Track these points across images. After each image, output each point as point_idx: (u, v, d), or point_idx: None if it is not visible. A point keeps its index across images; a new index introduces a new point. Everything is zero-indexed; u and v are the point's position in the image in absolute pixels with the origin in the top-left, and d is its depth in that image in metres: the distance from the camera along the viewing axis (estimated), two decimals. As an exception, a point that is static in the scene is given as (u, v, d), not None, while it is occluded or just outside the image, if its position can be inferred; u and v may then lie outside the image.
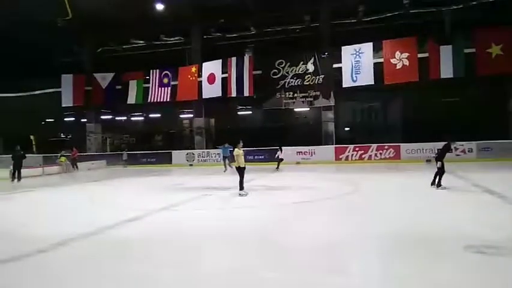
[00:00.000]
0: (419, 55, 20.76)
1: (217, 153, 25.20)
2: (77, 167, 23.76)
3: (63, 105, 28.01)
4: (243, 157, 11.34)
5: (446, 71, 20.15)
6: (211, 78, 24.74)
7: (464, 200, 9.57)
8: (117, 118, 32.87)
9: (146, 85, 26.45)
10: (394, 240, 6.06)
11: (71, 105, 28.08)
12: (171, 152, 26.61)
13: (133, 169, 24.18)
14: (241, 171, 11.23)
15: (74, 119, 33.09)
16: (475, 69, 19.65)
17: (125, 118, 33.42)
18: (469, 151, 20.40)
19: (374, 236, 6.35)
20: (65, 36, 26.37)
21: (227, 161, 19.20)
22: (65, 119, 33.41)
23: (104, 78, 27.53)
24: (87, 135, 29.61)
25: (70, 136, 34.75)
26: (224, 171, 18.95)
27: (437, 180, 10.99)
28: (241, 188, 11.20)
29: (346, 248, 5.90)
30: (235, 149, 11.42)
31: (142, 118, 33.17)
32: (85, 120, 30.11)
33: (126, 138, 34.05)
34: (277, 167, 19.52)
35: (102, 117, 30.82)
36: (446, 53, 20.22)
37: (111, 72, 27.47)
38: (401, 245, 5.81)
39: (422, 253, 5.34)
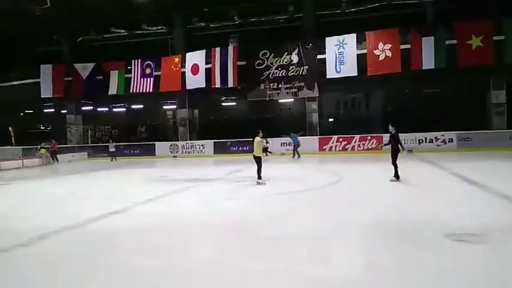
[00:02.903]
0: (402, 46, 20.97)
1: (202, 145, 25.14)
2: (56, 159, 23.30)
3: (42, 96, 27.36)
4: (261, 146, 11.50)
5: (428, 62, 20.42)
6: (194, 69, 24.46)
7: (444, 189, 9.78)
8: (98, 109, 32.24)
9: (128, 75, 25.98)
10: (375, 229, 6.17)
11: (51, 96, 27.44)
12: (154, 144, 26.35)
13: (116, 161, 23.83)
14: (259, 159, 11.30)
15: (53, 110, 32.33)
16: (455, 60, 19.98)
17: (106, 109, 32.80)
18: (449, 141, 20.86)
19: (356, 225, 6.46)
20: (44, 26, 25.63)
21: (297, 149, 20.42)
22: (45, 110, 32.61)
23: (85, 69, 26.91)
24: (68, 126, 29.04)
25: (50, 128, 33.96)
26: (298, 158, 19.97)
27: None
28: (259, 177, 11.25)
29: (329, 238, 5.96)
30: (256, 137, 11.41)
31: (124, 109, 32.60)
32: (65, 111, 29.50)
33: (107, 130, 33.47)
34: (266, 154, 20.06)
35: (83, 108, 30.21)
36: (428, 44, 20.47)
37: (91, 62, 26.85)
38: (382, 234, 5.92)
39: (403, 241, 5.45)
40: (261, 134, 11.60)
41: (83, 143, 29.05)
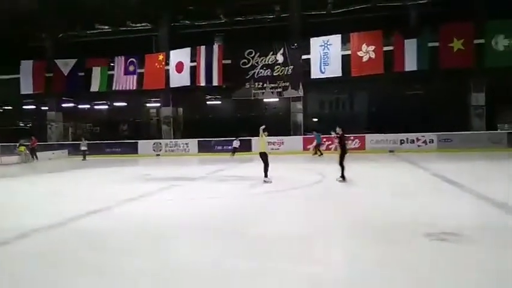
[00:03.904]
0: (385, 48, 21.27)
1: (186, 144, 24.95)
2: (36, 157, 22.78)
3: (22, 93, 26.77)
4: (267, 143, 11.41)
5: (411, 64, 20.77)
6: (179, 67, 24.27)
7: (425, 189, 9.94)
8: (79, 106, 31.67)
9: (111, 72, 25.61)
10: (356, 228, 6.22)
11: (31, 92, 26.86)
12: (137, 142, 26.03)
13: (97, 159, 23.45)
14: (265, 157, 11.19)
15: (34, 107, 31.63)
16: (437, 62, 20.36)
17: (88, 106, 32.24)
18: (430, 142, 21.26)
19: (338, 225, 6.52)
20: (25, 20, 24.99)
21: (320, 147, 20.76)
22: (24, 107, 31.88)
23: (66, 65, 26.40)
24: (48, 123, 28.45)
25: (30, 125, 33.24)
26: (320, 155, 20.15)
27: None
28: (266, 175, 11.16)
29: (311, 237, 5.98)
30: (262, 134, 11.24)
31: (106, 107, 32.11)
32: (46, 108, 28.91)
33: (89, 128, 32.93)
34: (233, 155, 20.83)
35: (64, 105, 29.64)
36: (410, 46, 20.82)
37: (73, 58, 26.36)
38: (363, 233, 5.96)
39: (383, 241, 5.51)
40: (266, 132, 11.34)
41: (63, 141, 28.48)
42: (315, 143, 20.97)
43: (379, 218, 6.84)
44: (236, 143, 21.19)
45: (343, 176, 10.99)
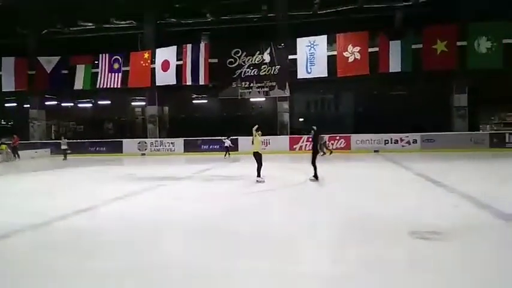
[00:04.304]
0: (370, 49, 21.45)
1: (171, 143, 24.77)
2: (18, 156, 22.30)
3: (3, 90, 26.14)
4: (260, 143, 11.36)
5: (395, 65, 21.01)
6: (165, 65, 24.06)
7: (408, 188, 10.10)
8: (63, 104, 31.12)
9: (95, 70, 25.22)
10: (342, 227, 6.30)
11: (13, 89, 26.26)
12: (121, 141, 25.72)
13: (81, 158, 23.09)
14: (259, 157, 11.15)
15: (15, 104, 30.97)
16: (421, 64, 20.66)
17: (71, 104, 31.71)
18: (413, 142, 21.58)
19: (323, 223, 6.59)
20: (7, 16, 24.40)
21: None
22: (6, 105, 31.16)
23: (49, 62, 25.90)
24: (30, 122, 27.87)
25: (11, 123, 32.52)
26: (323, 155, 19.38)
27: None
28: (259, 174, 11.12)
29: (297, 235, 6.02)
30: (255, 134, 11.22)
31: (90, 105, 31.63)
32: (28, 106, 28.30)
33: (72, 126, 32.40)
34: (227, 155, 20.52)
35: (47, 103, 29.06)
36: (395, 48, 21.05)
37: (57, 55, 25.88)
38: (349, 231, 6.04)
39: (369, 239, 5.58)
40: (259, 132, 11.37)
41: (46, 139, 27.95)
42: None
43: (364, 216, 6.91)
44: (227, 142, 20.84)
45: (315, 176, 11.09)
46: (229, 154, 20.72)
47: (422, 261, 4.67)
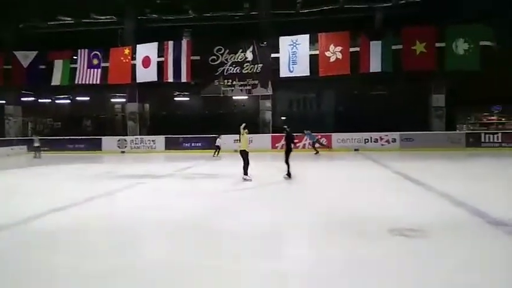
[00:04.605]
0: (352, 49, 21.67)
1: (152, 140, 24.48)
2: (-8, 153, 21.61)
3: (-23, 85, 25.31)
4: (248, 141, 11.34)
5: (375, 65, 21.29)
6: (146, 62, 23.72)
7: (388, 187, 10.26)
8: (40, 100, 30.34)
9: (73, 66, 24.65)
10: (323, 225, 6.35)
11: (-13, 85, 25.45)
12: (100, 138, 25.25)
13: (59, 156, 22.56)
14: (246, 155, 11.09)
15: (-11, 100, 29.97)
16: (401, 64, 21.01)
17: (49, 101, 30.94)
18: (392, 141, 21.94)
19: (304, 221, 6.62)
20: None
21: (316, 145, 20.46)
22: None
23: (26, 57, 25.18)
24: (6, 118, 27.07)
25: (-15, 119, 31.45)
26: (316, 154, 19.76)
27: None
28: (246, 173, 11.07)
29: (278, 233, 6.05)
30: (243, 132, 11.20)
31: (68, 101, 30.93)
32: (3, 102, 27.44)
33: (50, 123, 31.62)
34: (215, 154, 19.94)
35: (23, 99, 28.29)
36: (376, 48, 21.33)
37: (34, 50, 25.18)
38: (330, 229, 6.09)
39: (349, 237, 5.64)
40: (246, 130, 11.38)
41: (22, 136, 27.19)
42: (310, 142, 20.93)
43: (345, 214, 6.99)
44: (219, 141, 20.31)
45: (289, 174, 11.22)
46: (218, 153, 20.13)
47: (401, 258, 4.75)
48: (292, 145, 11.67)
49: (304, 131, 20.78)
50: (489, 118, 22.81)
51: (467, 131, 22.18)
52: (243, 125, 11.30)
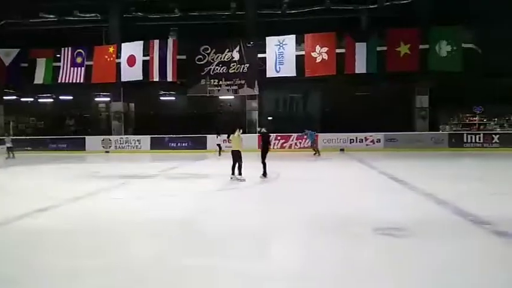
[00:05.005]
0: (337, 50, 21.84)
1: (137, 140, 24.20)
2: (-28, 153, 21.01)
3: (-44, 83, 24.64)
4: (241, 142, 11.36)
5: (361, 66, 21.50)
6: (131, 60, 23.43)
7: (372, 186, 10.39)
8: (22, 99, 29.72)
9: (57, 64, 24.19)
10: (309, 225, 6.38)
11: (-33, 83, 24.80)
12: (84, 138, 24.85)
13: (42, 156, 22.14)
14: (239, 155, 11.10)
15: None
16: (385, 66, 21.27)
17: (31, 100, 30.32)
18: (377, 141, 22.20)
19: (290, 221, 6.65)
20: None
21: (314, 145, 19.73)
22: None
23: (8, 55, 24.61)
24: (-14, 117, 26.44)
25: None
26: (314, 154, 19.21)
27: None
28: (240, 173, 11.06)
29: (265, 234, 6.06)
30: (236, 132, 11.27)
31: (51, 100, 30.37)
32: (-17, 100, 26.83)
33: (32, 122, 31.00)
34: (219, 154, 19.72)
35: (5, 97, 27.64)
36: (361, 49, 21.54)
37: (15, 48, 24.63)
38: (316, 229, 6.13)
39: (334, 236, 5.69)
40: (241, 130, 11.56)
41: (3, 136, 26.55)
42: (309, 142, 20.38)
43: (330, 213, 7.04)
44: (219, 139, 19.92)
45: (265, 174, 11.36)
46: (219, 153, 19.74)
47: (385, 257, 4.81)
48: (269, 146, 11.95)
49: (304, 130, 20.26)
50: (471, 119, 23.26)
51: (450, 132, 22.56)
52: (239, 127, 11.59)
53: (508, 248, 5.08)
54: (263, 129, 11.62)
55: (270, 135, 11.73)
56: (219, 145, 20.01)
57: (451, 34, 21.06)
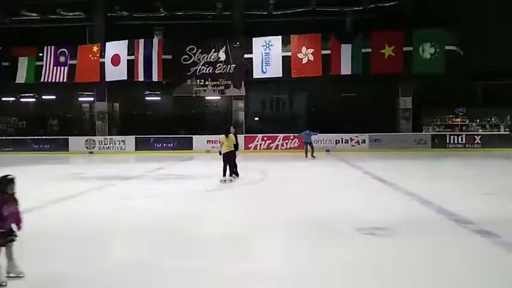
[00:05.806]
0: (323, 51, 21.97)
1: (122, 141, 23.91)
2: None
3: None
4: (232, 143, 11.21)
5: (346, 68, 21.67)
6: (115, 60, 23.11)
7: (357, 186, 10.49)
8: (3, 99, 29.04)
9: (39, 63, 23.69)
10: (293, 225, 6.41)
11: None
12: (67, 138, 24.41)
13: (23, 156, 21.66)
14: (232, 156, 11.02)
15: None
16: (370, 67, 21.49)
17: (13, 99, 29.65)
18: (362, 142, 22.42)
19: (275, 221, 6.68)
20: None
21: (309, 147, 18.60)
22: None
23: (-12, 53, 24.06)
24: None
25: None
26: (306, 157, 18.37)
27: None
28: (231, 173, 11.03)
29: (249, 234, 6.05)
30: (230, 134, 11.15)
31: (34, 100, 29.76)
32: (-38, 99, 26.13)
33: (14, 122, 30.32)
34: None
35: (-15, 97, 27.01)
36: (346, 51, 21.71)
37: (-4, 46, 24.10)
38: (300, 229, 6.16)
39: (318, 236, 5.73)
40: (233, 130, 11.51)
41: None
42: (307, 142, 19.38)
43: (315, 213, 7.08)
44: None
45: (236, 174, 11.47)
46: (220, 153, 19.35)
47: (369, 256, 4.85)
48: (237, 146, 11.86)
49: (306, 130, 19.42)
50: (454, 120, 23.68)
51: (433, 133, 22.92)
52: (231, 127, 11.58)
53: (490, 247, 5.17)
54: (232, 129, 11.60)
55: (237, 136, 11.87)
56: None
57: (434, 36, 21.41)
